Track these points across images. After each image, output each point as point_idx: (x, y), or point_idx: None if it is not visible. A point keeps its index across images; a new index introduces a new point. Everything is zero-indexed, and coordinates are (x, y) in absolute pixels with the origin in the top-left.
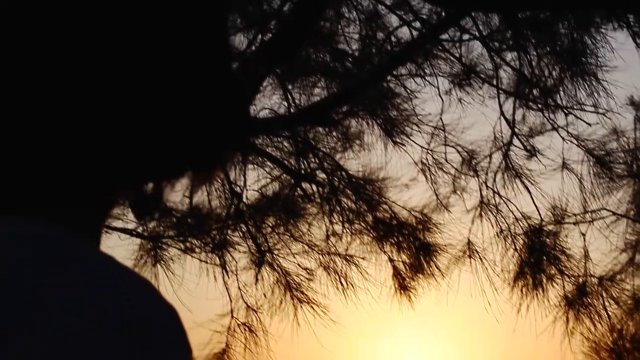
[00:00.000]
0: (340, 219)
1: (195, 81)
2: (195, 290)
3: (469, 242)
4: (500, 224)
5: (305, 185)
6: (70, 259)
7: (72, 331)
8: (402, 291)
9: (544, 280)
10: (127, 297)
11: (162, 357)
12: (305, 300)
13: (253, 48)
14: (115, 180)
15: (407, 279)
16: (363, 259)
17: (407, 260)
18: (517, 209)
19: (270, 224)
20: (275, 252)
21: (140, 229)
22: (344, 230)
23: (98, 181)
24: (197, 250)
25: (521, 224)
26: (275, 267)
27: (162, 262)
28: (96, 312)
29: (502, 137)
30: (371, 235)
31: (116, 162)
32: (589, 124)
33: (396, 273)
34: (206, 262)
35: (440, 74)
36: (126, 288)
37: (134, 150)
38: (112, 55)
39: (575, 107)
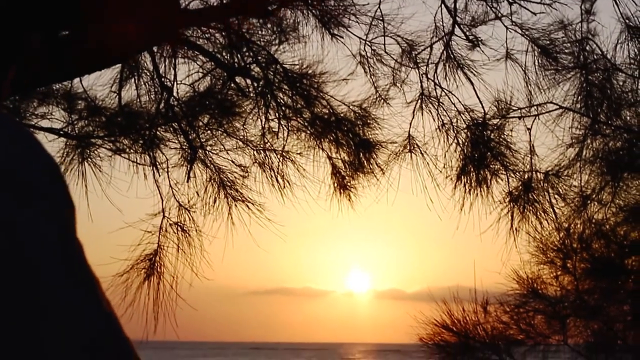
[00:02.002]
0: (277, 115)
1: None
2: (125, 188)
3: (410, 137)
4: (442, 117)
5: (239, 79)
6: None
7: None
8: (341, 190)
9: (488, 176)
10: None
11: (40, 210)
12: (239, 198)
13: None
14: None
15: (347, 178)
16: (300, 154)
17: (346, 158)
18: (460, 102)
19: (203, 120)
20: (208, 148)
21: (68, 129)
22: (281, 127)
23: None
24: (127, 150)
25: (464, 118)
26: (208, 164)
27: (89, 160)
28: None
29: (443, 26)
30: (309, 131)
31: None
32: (534, 13)
33: (335, 171)
34: (136, 163)
35: None
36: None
37: None
38: None
39: None
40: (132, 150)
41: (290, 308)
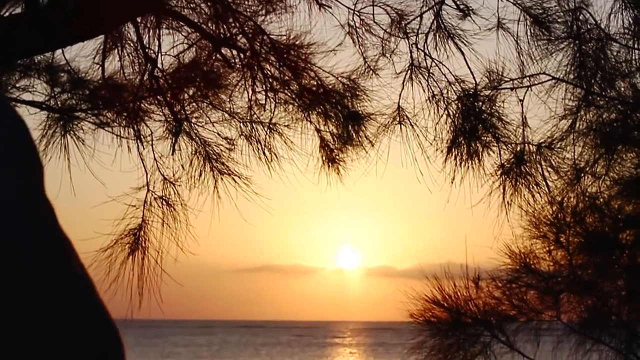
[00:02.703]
0: (263, 87)
1: None
2: (108, 161)
3: (399, 108)
4: (432, 88)
5: (225, 50)
6: None
7: None
8: (329, 163)
9: (480, 148)
10: None
11: (5, 169)
12: (226, 171)
13: None
14: None
15: (335, 151)
16: (287, 127)
17: (335, 131)
18: (450, 72)
19: (189, 92)
20: (193, 120)
21: (50, 102)
22: (268, 99)
23: None
24: (111, 123)
25: (454, 88)
26: (194, 137)
27: (72, 132)
28: None
29: None
30: (296, 104)
31: None
32: None
33: (323, 144)
34: (120, 136)
35: None
36: None
37: None
38: None
39: None
40: (116, 124)
41: (279, 286)
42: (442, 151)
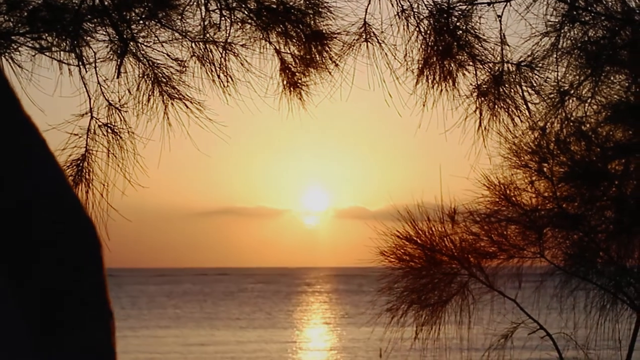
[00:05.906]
0: (218, 5)
1: None
2: (47, 86)
3: (365, 24)
4: (402, 2)
5: None
6: None
7: None
8: (291, 88)
9: (454, 68)
10: None
11: None
12: (176, 95)
13: None
14: None
15: (298, 74)
16: (244, 46)
17: (297, 52)
18: None
19: (135, 11)
20: (141, 40)
21: None
22: (223, 19)
23: None
24: (51, 47)
25: (426, 3)
26: (141, 58)
27: (6, 55)
28: None
29: None
30: (254, 23)
31: None
32: None
33: (284, 67)
34: (61, 61)
35: None
36: None
37: None
38: None
39: None
40: (57, 48)
41: (241, 230)
42: (412, 72)
